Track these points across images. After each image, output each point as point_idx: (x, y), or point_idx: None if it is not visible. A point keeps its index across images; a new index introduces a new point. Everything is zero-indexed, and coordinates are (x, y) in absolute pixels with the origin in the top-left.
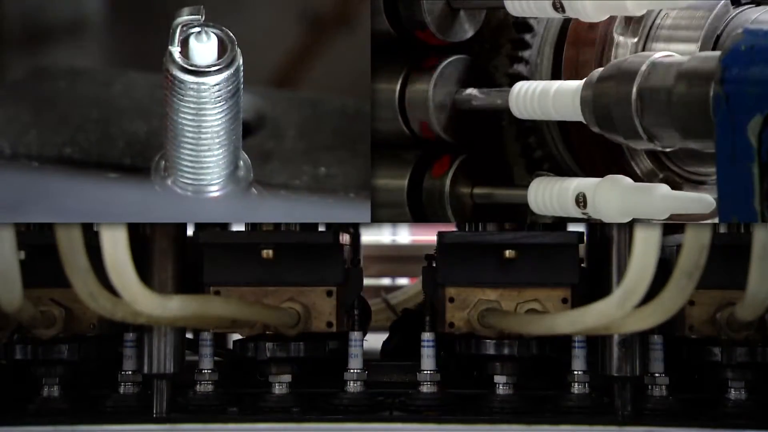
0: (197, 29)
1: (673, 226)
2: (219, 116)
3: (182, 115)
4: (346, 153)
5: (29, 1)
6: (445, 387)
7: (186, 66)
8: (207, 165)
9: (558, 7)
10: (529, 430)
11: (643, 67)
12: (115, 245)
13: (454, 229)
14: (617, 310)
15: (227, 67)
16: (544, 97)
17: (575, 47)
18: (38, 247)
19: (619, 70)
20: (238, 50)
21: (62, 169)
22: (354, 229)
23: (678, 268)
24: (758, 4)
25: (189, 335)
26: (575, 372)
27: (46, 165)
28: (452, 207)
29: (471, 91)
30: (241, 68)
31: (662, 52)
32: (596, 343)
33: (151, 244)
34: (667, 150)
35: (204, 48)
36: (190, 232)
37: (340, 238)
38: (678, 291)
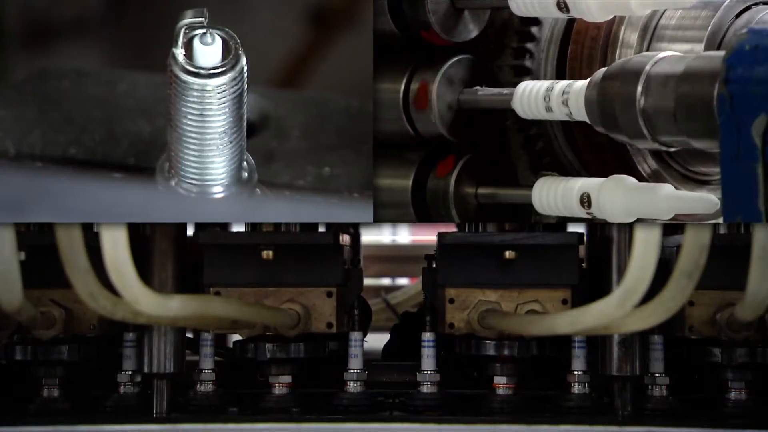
0: (201, 31)
1: (673, 227)
2: (223, 117)
3: (186, 117)
4: (349, 153)
5: (34, 2)
6: (445, 387)
7: (190, 68)
8: (211, 166)
9: (562, 7)
10: (529, 430)
11: (648, 67)
12: (116, 245)
13: (455, 229)
14: (617, 310)
15: (231, 68)
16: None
17: (580, 46)
18: (38, 247)
19: (624, 70)
20: (242, 51)
21: (66, 169)
22: (354, 230)
23: (678, 268)
24: (765, 4)
25: (189, 335)
26: (575, 372)
27: (51, 165)
28: (456, 207)
29: (475, 90)
30: (246, 70)
31: (667, 52)
32: (596, 343)
33: (151, 244)
34: (672, 150)
35: (208, 50)
36: (190, 232)
37: (340, 238)
38: (678, 291)
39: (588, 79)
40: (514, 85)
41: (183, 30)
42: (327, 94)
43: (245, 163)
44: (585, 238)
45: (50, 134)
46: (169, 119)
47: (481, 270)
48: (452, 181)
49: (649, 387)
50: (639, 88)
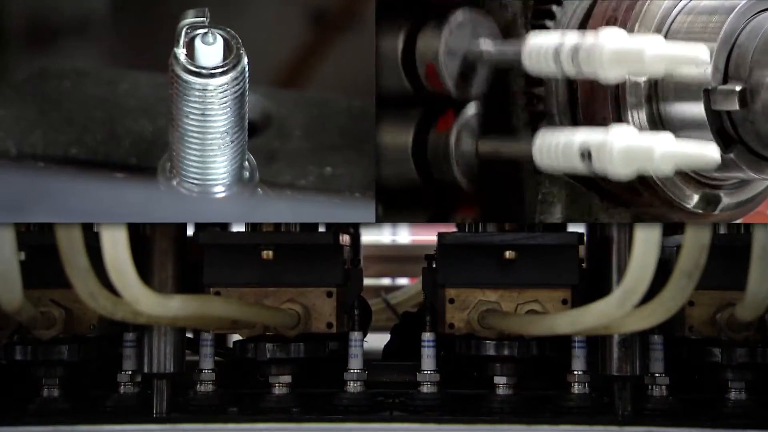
0: (203, 31)
1: (673, 227)
2: (224, 117)
3: (188, 117)
4: (351, 153)
5: (35, 1)
6: (445, 387)
7: (191, 67)
8: (212, 166)
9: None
10: (529, 430)
11: None
12: (116, 245)
13: (455, 229)
14: (617, 310)
15: (233, 68)
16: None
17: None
18: (38, 247)
19: None
20: (244, 51)
21: (68, 169)
22: (354, 230)
23: (678, 268)
24: None
25: (189, 335)
26: (575, 372)
27: (52, 165)
28: (458, 162)
29: (483, 42)
30: (247, 69)
31: None
32: (596, 343)
33: (151, 244)
34: None
35: (209, 49)
36: (190, 232)
37: (340, 238)
38: (678, 291)
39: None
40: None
41: (184, 30)
42: (328, 94)
43: (247, 162)
44: (585, 238)
45: (51, 134)
46: (171, 119)
47: (481, 270)
48: (453, 136)
49: (649, 387)
50: None
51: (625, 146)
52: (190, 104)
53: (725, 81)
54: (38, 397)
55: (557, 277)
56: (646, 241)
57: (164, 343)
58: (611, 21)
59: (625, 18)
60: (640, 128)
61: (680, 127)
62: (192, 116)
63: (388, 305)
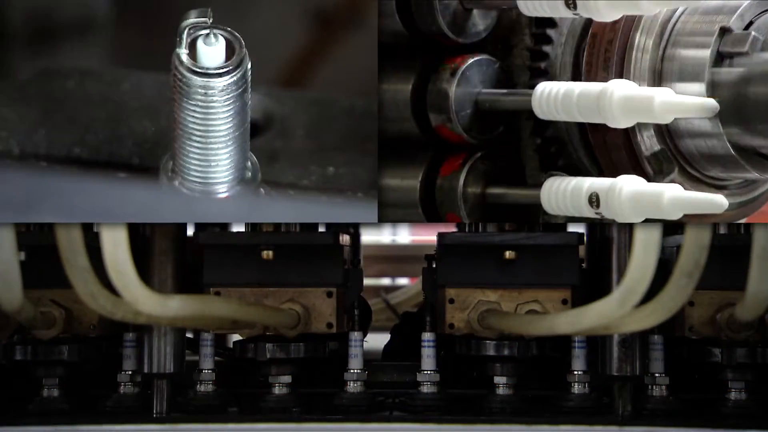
0: (205, 31)
1: (673, 227)
2: (227, 118)
3: (190, 117)
4: (354, 153)
5: (38, 1)
6: (445, 387)
7: (194, 68)
8: (215, 166)
9: (570, 5)
10: (529, 430)
11: None
12: (116, 245)
13: (455, 229)
14: (617, 310)
15: (235, 69)
16: (568, 98)
17: (595, 50)
18: (38, 247)
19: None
20: (246, 52)
21: (71, 169)
22: (354, 230)
23: (678, 268)
24: None
25: (189, 335)
26: (575, 372)
27: (55, 164)
28: (465, 207)
29: (495, 91)
30: (249, 70)
31: None
32: (596, 343)
33: (151, 244)
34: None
35: (212, 50)
36: (190, 232)
37: (340, 238)
38: (678, 291)
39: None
40: (527, 86)
41: (187, 30)
42: (331, 94)
43: (249, 162)
44: (585, 238)
45: (54, 134)
46: (173, 119)
47: (481, 270)
48: (461, 181)
49: (649, 387)
50: None
51: (633, 192)
52: (193, 105)
53: None
54: (38, 397)
55: (557, 277)
56: (646, 241)
57: (164, 343)
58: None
59: (626, 24)
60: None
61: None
62: (194, 117)
63: (388, 305)
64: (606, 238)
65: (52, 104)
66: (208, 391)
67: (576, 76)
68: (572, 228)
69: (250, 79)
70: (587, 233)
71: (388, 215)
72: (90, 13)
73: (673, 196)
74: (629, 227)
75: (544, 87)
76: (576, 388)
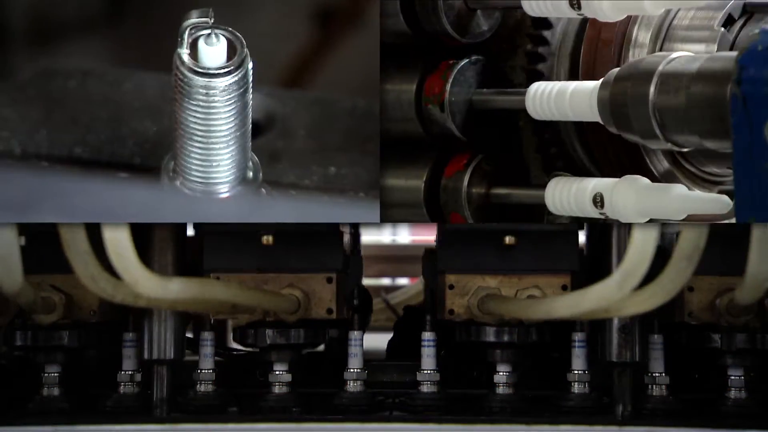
0: (206, 31)
1: None
2: (228, 118)
3: (191, 117)
4: (355, 153)
5: (39, 1)
6: (446, 387)
7: (195, 68)
8: (216, 166)
9: (575, 5)
10: (529, 430)
11: (660, 67)
12: (115, 227)
13: None
14: (616, 293)
15: (236, 69)
16: (561, 97)
17: (593, 47)
18: (38, 232)
19: (637, 70)
20: (247, 52)
21: (72, 169)
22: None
23: (677, 251)
24: None
25: (189, 335)
26: (575, 371)
27: (56, 164)
28: (470, 207)
29: (488, 91)
30: (251, 70)
31: (679, 52)
32: (596, 329)
33: (152, 231)
34: (684, 150)
35: (213, 50)
36: (190, 232)
37: (340, 225)
38: (677, 273)
39: (600, 80)
40: (528, 82)
41: (188, 30)
42: (333, 94)
43: (250, 162)
44: (585, 224)
45: (56, 134)
46: (175, 119)
47: (480, 256)
48: (465, 181)
49: (649, 387)
50: (652, 88)
51: (638, 192)
52: (194, 105)
53: None
54: (38, 396)
55: (557, 262)
56: (645, 224)
57: (164, 328)
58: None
59: (623, 19)
60: (657, 172)
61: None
62: (195, 117)
63: (388, 305)
64: (606, 224)
65: (54, 104)
66: (208, 391)
67: (573, 76)
68: None
69: (251, 79)
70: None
71: (391, 216)
72: (91, 12)
73: (677, 196)
74: None
75: (537, 87)
76: (576, 388)
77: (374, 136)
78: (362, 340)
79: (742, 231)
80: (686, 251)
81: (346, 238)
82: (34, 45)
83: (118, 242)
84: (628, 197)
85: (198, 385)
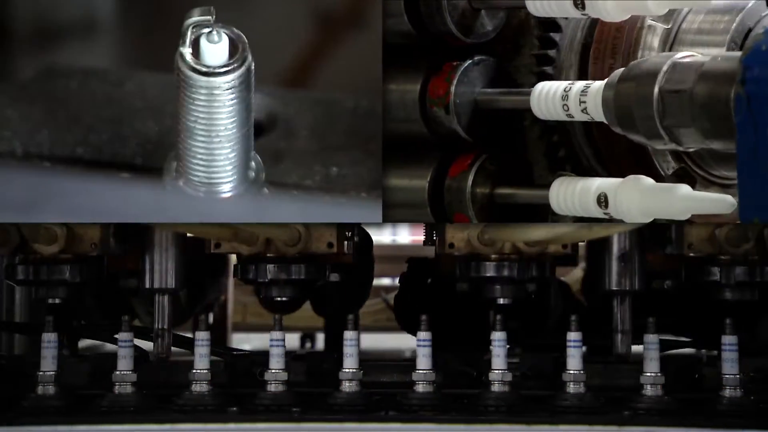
0: (208, 30)
1: None
2: (230, 117)
3: (194, 116)
4: (358, 153)
5: (41, 1)
6: (444, 387)
7: (197, 66)
8: (219, 165)
9: (579, 5)
10: (529, 430)
11: (665, 67)
12: None
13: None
14: None
15: (238, 67)
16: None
17: (602, 50)
18: None
19: (641, 71)
20: (249, 51)
21: (74, 169)
22: None
23: None
24: None
25: (189, 335)
26: (570, 371)
27: (58, 165)
28: (474, 207)
29: (493, 91)
30: (253, 68)
31: (684, 53)
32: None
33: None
34: (690, 150)
35: (215, 48)
36: None
37: None
38: None
39: (605, 80)
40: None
41: (190, 28)
42: (335, 94)
43: (253, 162)
44: None
45: (58, 134)
46: (177, 118)
47: None
48: (469, 182)
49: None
50: (656, 89)
51: (642, 192)
52: (196, 103)
53: None
54: (33, 394)
55: None
56: None
57: (165, 258)
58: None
59: (633, 22)
60: (664, 173)
61: None
62: (198, 115)
63: (388, 305)
64: None
65: (56, 104)
66: (206, 391)
67: (582, 78)
68: None
69: (253, 78)
70: None
71: (395, 216)
72: (93, 12)
73: (682, 195)
74: None
75: (542, 86)
76: (571, 388)
77: (376, 136)
78: (358, 340)
79: None
80: None
81: None
82: (36, 45)
83: None
84: (633, 197)
85: (196, 385)
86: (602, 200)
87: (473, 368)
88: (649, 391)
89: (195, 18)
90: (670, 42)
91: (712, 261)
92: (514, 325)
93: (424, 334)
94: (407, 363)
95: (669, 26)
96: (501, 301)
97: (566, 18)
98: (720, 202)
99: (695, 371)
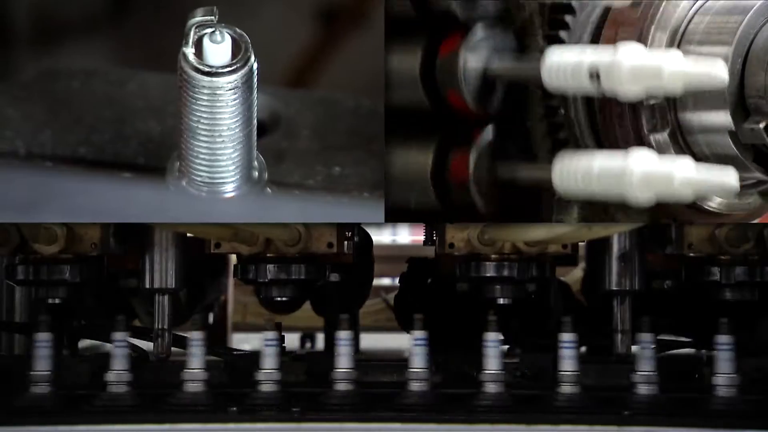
0: (211, 30)
1: None
2: (233, 117)
3: (196, 116)
4: (360, 153)
5: (43, 1)
6: (443, 387)
7: (200, 66)
8: (221, 166)
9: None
10: (529, 430)
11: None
12: None
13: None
14: None
15: (241, 67)
16: (578, 69)
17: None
18: None
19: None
20: (252, 50)
21: (76, 169)
22: None
23: None
24: None
25: (188, 335)
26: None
27: (60, 165)
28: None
29: (502, 59)
30: (255, 69)
31: None
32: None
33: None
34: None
35: (218, 48)
36: None
37: None
38: None
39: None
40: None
41: (193, 28)
42: (337, 94)
43: (255, 162)
44: None
45: (60, 134)
46: (180, 118)
47: None
48: (472, 159)
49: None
50: None
51: (644, 171)
52: (199, 103)
53: (741, 84)
54: (26, 393)
55: None
56: None
57: (165, 258)
58: (627, 24)
59: (641, 20)
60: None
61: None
62: (200, 115)
63: (388, 305)
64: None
65: (58, 104)
66: (206, 391)
67: None
68: None
69: (256, 78)
70: None
71: (397, 194)
72: (95, 12)
73: (673, 69)
74: None
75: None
76: (566, 388)
77: (378, 135)
78: (351, 340)
79: None
80: None
81: None
82: (37, 45)
83: None
84: (635, 175)
85: (197, 385)
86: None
87: (473, 368)
88: (642, 390)
89: (198, 18)
90: (678, 41)
91: (712, 261)
92: (514, 325)
93: (419, 333)
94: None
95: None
96: (501, 301)
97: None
98: (711, 75)
99: (696, 371)
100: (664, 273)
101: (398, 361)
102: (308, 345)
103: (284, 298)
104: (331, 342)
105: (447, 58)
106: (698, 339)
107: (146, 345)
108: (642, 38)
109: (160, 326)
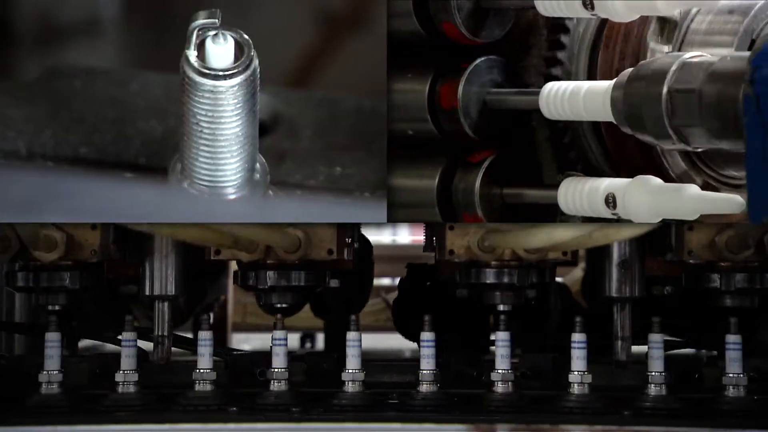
0: (214, 32)
1: None
2: (235, 119)
3: (199, 118)
4: (361, 153)
5: (45, 1)
6: (445, 387)
7: (202, 69)
8: (223, 167)
9: (588, 5)
10: (529, 430)
11: (673, 67)
12: None
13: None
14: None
15: (244, 70)
16: (575, 97)
17: (611, 51)
18: None
19: (650, 70)
20: (254, 53)
21: (78, 169)
22: None
23: None
24: None
25: (189, 335)
26: (575, 372)
27: (62, 165)
28: (482, 207)
29: (502, 90)
30: (258, 71)
31: (692, 53)
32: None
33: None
34: (699, 151)
35: (220, 51)
36: None
37: None
38: None
39: (614, 80)
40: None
41: (195, 31)
42: (339, 94)
43: (257, 163)
44: None
45: (61, 134)
46: (182, 120)
47: None
48: (478, 182)
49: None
50: (664, 89)
51: (650, 192)
52: (201, 106)
53: None
54: (36, 394)
55: None
56: None
57: (165, 265)
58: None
59: (640, 25)
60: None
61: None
62: (203, 118)
63: (388, 305)
64: None
65: (59, 104)
66: (207, 391)
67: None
68: None
69: (258, 80)
70: None
71: (403, 216)
72: (97, 12)
73: (691, 195)
74: None
75: (551, 86)
76: (576, 389)
77: (380, 135)
78: (360, 341)
79: None
80: None
81: None
82: (39, 45)
83: None
84: (641, 197)
85: (197, 385)
86: (610, 201)
87: (473, 368)
88: (652, 390)
89: (201, 21)
90: (679, 43)
91: (712, 268)
92: (514, 326)
93: (428, 335)
94: (407, 363)
95: (669, 50)
96: (501, 307)
97: (574, 18)
98: (729, 201)
99: (695, 371)
100: (664, 279)
101: (398, 361)
102: (308, 345)
103: (284, 305)
104: (331, 342)
105: None
106: (698, 343)
107: (146, 345)
108: (641, 43)
109: (159, 333)
